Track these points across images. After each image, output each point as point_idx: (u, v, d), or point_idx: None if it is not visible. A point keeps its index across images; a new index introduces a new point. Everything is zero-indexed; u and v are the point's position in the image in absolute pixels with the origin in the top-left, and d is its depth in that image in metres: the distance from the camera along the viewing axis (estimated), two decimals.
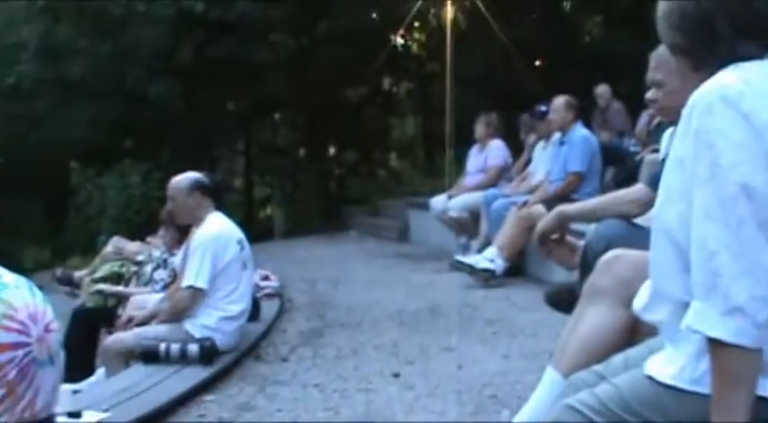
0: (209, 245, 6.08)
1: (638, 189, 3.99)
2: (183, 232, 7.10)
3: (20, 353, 3.95)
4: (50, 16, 16.17)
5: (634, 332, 3.10)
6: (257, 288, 7.43)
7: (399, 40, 21.72)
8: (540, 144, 9.80)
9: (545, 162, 9.41)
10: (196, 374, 5.66)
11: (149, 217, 13.49)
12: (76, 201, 15.57)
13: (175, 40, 16.16)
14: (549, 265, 7.61)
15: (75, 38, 16.06)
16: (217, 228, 6.23)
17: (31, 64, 15.97)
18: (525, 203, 8.62)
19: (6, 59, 16.18)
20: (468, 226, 10.00)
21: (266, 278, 8.42)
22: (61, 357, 4.28)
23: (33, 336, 4.03)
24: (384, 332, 6.92)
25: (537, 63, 19.18)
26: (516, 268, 8.75)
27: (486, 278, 8.47)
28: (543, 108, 9.49)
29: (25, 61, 16.01)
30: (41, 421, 4.14)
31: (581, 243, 3.91)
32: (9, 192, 15.35)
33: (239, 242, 6.29)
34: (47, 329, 4.12)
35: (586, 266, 3.65)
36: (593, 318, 3.19)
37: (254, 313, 6.87)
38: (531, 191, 9.10)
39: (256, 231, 14.28)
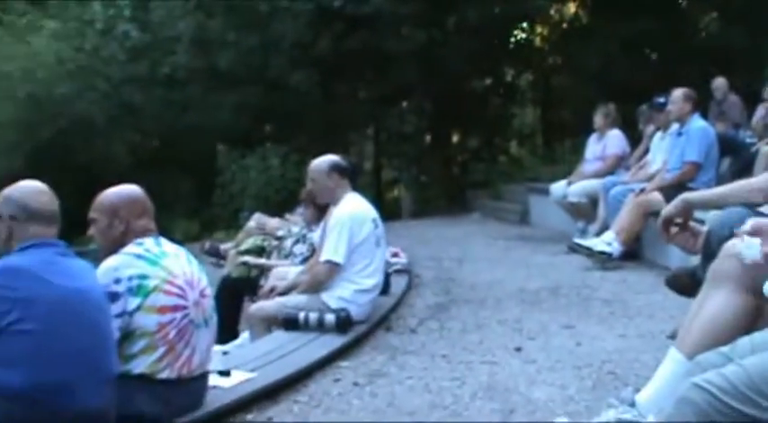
0: (347, 223, 6.12)
1: (766, 179, 3.84)
2: (321, 210, 7.16)
3: (178, 315, 4.10)
4: (203, 12, 16.44)
5: (758, 317, 3.01)
6: (388, 264, 7.43)
7: (522, 34, 21.56)
8: (658, 134, 9.56)
9: (663, 151, 9.19)
10: (332, 342, 5.73)
11: (287, 196, 13.66)
12: (222, 180, 15.85)
13: (315, 33, 16.26)
14: (665, 249, 7.48)
15: (225, 31, 16.29)
16: (353, 207, 6.27)
17: (185, 55, 16.27)
18: (643, 191, 8.46)
19: (163, 51, 16.51)
20: (587, 211, 9.85)
21: (396, 255, 8.43)
22: (214, 320, 4.40)
23: (190, 300, 4.18)
24: (506, 309, 6.87)
25: (653, 57, 18.81)
26: (632, 252, 8.59)
27: (604, 261, 8.33)
28: (662, 99, 9.26)
29: (179, 53, 16.31)
30: (197, 377, 4.29)
31: (703, 228, 3.80)
32: (163, 171, 15.67)
33: (373, 221, 6.32)
34: (202, 295, 4.26)
35: (709, 252, 3.55)
36: (717, 302, 3.11)
37: (385, 287, 6.88)
38: (649, 179, 8.90)
39: (385, 211, 14.32)
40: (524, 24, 20.67)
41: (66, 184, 3.57)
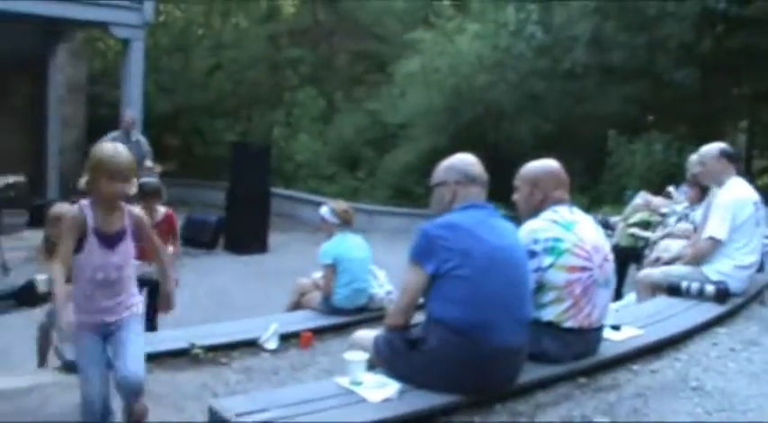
0: (730, 204, 5.84)
1: None
2: (703, 191, 6.85)
3: (585, 275, 4.09)
4: (600, 15, 16.17)
5: None
6: (763, 244, 6.95)
7: None
8: None
9: None
10: (710, 310, 5.53)
11: (667, 178, 13.17)
12: (610, 161, 15.58)
13: (698, 33, 15.49)
14: None
15: (618, 32, 15.93)
16: (737, 191, 5.97)
17: (582, 52, 16.05)
18: None
19: (563, 49, 16.40)
20: None
21: None
22: (613, 282, 4.35)
23: (595, 263, 4.16)
24: None
25: None
26: None
27: None
28: None
29: (577, 50, 16.13)
30: (595, 329, 4.28)
31: None
32: (559, 151, 15.62)
33: (755, 204, 5.98)
34: (605, 259, 4.22)
35: None
36: None
37: (760, 265, 6.45)
38: None
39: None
40: None
41: (479, 159, 3.70)
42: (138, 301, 3.95)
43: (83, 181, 3.69)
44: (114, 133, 11.43)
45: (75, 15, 12.91)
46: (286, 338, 6.37)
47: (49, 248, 5.15)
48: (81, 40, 17.29)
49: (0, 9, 11.79)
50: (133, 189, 3.71)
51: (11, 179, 10.64)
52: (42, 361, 6.03)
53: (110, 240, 3.67)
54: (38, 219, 10.25)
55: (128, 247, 3.75)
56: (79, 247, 3.63)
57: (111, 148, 3.66)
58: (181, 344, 5.83)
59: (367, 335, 4.13)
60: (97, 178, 3.61)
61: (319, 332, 6.59)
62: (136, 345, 3.81)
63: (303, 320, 6.84)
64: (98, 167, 3.60)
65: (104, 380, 3.81)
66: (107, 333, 3.81)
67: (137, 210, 3.87)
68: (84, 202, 3.68)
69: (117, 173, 3.59)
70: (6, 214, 10.56)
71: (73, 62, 16.73)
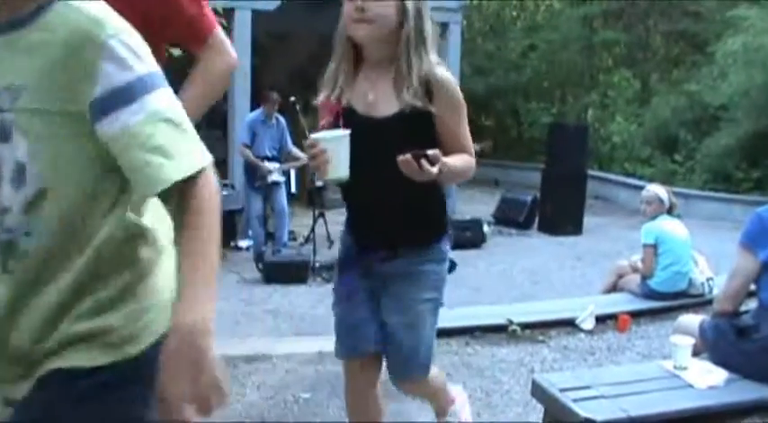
0: None
1: None
2: None
3: None
4: None
5: None
6: None
7: None
8: None
9: None
10: None
11: None
12: None
13: None
14: None
15: None
16: None
17: None
18: None
19: None
20: None
21: None
22: None
23: None
24: None
25: None
26: None
27: None
28: None
29: None
30: None
31: None
32: None
33: None
34: None
35: None
36: None
37: None
38: None
39: None
40: None
41: None
42: None
43: None
44: None
45: None
46: (602, 320, 6.34)
47: None
48: None
49: None
50: None
51: None
52: None
53: None
54: None
55: None
56: None
57: None
58: (499, 320, 5.99)
59: (693, 319, 4.02)
60: None
61: (636, 315, 6.49)
62: None
63: (620, 303, 6.77)
64: None
65: None
66: None
67: None
68: None
69: None
70: (331, 190, 11.24)
71: None
